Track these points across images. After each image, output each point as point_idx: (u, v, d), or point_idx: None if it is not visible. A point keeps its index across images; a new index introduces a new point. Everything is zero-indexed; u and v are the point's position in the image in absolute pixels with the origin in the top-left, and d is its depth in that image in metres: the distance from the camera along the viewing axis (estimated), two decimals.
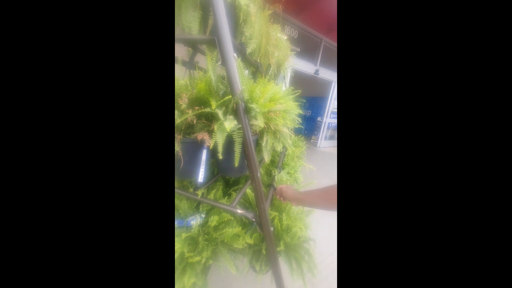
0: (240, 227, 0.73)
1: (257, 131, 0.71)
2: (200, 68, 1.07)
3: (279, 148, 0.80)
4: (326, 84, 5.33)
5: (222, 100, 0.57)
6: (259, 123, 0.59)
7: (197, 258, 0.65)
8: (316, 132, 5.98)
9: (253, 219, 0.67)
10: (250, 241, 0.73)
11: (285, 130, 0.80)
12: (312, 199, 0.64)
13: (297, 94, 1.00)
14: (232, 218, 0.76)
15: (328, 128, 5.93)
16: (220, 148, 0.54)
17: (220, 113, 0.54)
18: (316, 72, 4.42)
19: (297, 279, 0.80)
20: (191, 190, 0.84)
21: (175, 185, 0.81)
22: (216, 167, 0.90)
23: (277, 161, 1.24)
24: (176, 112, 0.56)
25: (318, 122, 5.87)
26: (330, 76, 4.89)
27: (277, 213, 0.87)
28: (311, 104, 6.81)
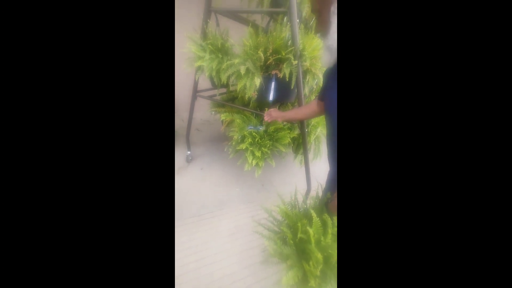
0: (288, 130, 1.29)
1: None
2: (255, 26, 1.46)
3: (314, 84, 1.27)
4: None
5: (289, 49, 1.02)
6: (307, 64, 1.05)
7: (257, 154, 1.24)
8: None
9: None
10: (294, 135, 1.31)
11: (318, 73, 1.25)
12: (292, 114, 0.99)
13: None
14: (282, 126, 1.31)
15: None
16: (287, 77, 1.03)
17: (291, 57, 1.02)
18: None
19: None
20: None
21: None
22: (276, 95, 1.39)
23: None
24: (259, 56, 1.03)
25: None
26: None
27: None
28: None
